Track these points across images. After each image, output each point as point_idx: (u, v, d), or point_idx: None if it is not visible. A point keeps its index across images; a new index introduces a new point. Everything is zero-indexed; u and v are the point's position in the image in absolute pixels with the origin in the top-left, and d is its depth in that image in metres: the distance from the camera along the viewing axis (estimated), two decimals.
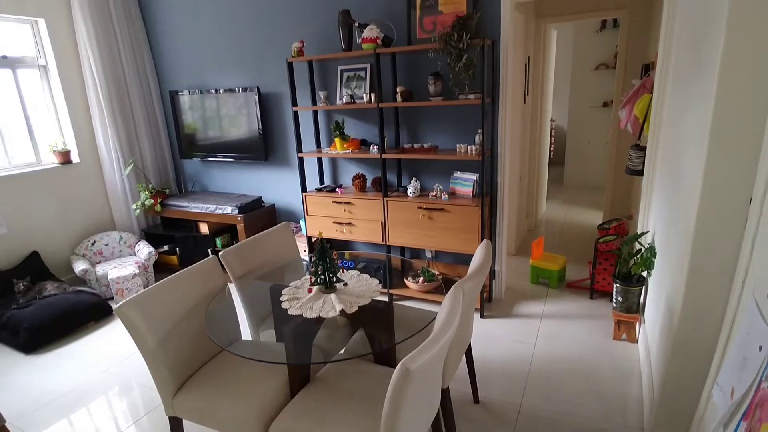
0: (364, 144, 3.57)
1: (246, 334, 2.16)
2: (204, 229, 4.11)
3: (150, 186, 4.33)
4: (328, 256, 2.02)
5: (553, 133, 6.86)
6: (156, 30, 4.35)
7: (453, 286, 1.69)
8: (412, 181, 3.31)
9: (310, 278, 2.07)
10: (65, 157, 3.98)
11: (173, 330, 1.88)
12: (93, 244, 4.05)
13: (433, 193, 3.25)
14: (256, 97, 3.82)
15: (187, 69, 4.31)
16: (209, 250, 4.08)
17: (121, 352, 2.97)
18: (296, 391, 1.81)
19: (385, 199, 3.32)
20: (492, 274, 3.43)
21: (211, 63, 4.16)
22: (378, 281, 2.19)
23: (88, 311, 3.36)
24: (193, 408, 1.80)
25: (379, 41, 3.08)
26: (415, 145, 3.33)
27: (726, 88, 1.44)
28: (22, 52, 3.76)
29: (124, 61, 4.19)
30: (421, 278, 3.37)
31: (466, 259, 3.47)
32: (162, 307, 1.86)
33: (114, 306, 3.58)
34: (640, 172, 3.09)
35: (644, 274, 2.72)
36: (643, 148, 3.05)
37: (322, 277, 2.04)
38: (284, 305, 1.94)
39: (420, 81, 3.29)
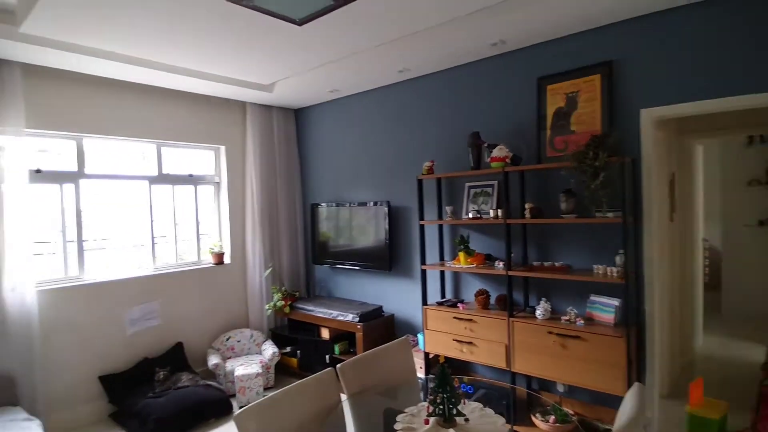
0: (488, 259, 3.45)
1: None
2: (325, 334, 4.19)
3: (283, 288, 4.65)
4: (449, 384, 1.84)
5: (706, 254, 5.98)
6: (306, 151, 5.02)
7: None
8: (542, 302, 3.04)
9: (428, 407, 1.90)
10: (219, 258, 4.51)
11: None
12: (228, 340, 4.35)
13: (567, 317, 2.93)
14: (386, 210, 4.04)
15: (328, 184, 4.81)
16: (327, 356, 4.09)
17: None
18: None
19: (511, 319, 3.07)
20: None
21: (349, 179, 4.58)
22: (504, 420, 1.91)
23: (211, 407, 3.50)
24: None
25: (507, 160, 3.11)
26: (545, 263, 3.12)
27: None
28: (203, 171, 4.57)
29: (278, 179, 4.83)
30: (552, 417, 2.90)
31: (607, 399, 2.94)
32: (278, 420, 1.83)
33: (234, 404, 3.69)
34: None
35: None
36: None
37: (441, 407, 1.85)
38: None
39: (550, 198, 3.18)
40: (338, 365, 2.25)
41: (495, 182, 3.44)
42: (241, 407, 3.65)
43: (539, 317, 3.01)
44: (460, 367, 3.70)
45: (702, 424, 2.93)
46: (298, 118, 5.08)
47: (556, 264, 3.08)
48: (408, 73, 3.81)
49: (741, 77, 2.51)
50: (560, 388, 3.17)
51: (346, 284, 4.68)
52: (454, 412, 1.86)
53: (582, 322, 2.85)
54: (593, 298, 2.94)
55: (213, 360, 4.00)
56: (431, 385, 1.89)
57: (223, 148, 4.58)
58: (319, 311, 4.23)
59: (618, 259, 2.79)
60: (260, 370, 3.88)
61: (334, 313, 4.09)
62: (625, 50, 2.87)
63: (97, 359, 3.65)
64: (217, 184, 4.65)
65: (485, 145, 3.30)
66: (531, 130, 3.26)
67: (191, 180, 4.46)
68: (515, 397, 3.19)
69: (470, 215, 3.37)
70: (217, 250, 4.52)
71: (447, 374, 1.86)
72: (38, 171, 3.46)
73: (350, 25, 2.87)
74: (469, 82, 3.63)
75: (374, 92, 4.29)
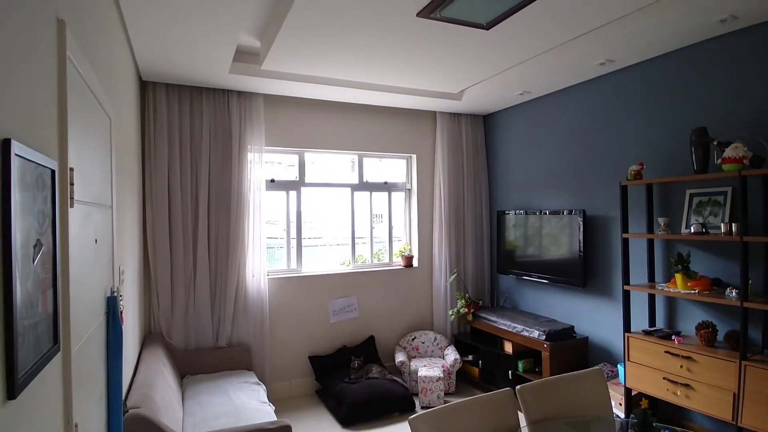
0: (716, 285, 2.78)
1: None
2: (508, 347, 4.00)
3: (467, 295, 4.64)
4: None
5: None
6: (494, 157, 4.90)
7: None
8: None
9: None
10: (408, 261, 4.77)
11: None
12: (413, 340, 4.55)
13: None
14: (581, 220, 3.63)
15: (516, 191, 4.60)
16: (510, 372, 3.90)
17: None
18: None
19: (743, 362, 2.41)
20: None
21: (538, 185, 4.29)
22: None
23: (396, 402, 3.70)
24: None
25: (745, 161, 2.45)
26: None
27: None
28: (396, 179, 4.90)
29: (465, 185, 4.85)
30: None
31: None
32: (451, 431, 1.81)
33: (417, 402, 3.82)
34: None
35: None
36: None
37: None
38: None
39: None
40: (518, 387, 2.11)
41: (728, 189, 2.75)
42: (423, 407, 3.80)
43: None
44: (672, 413, 3.07)
45: None
46: (486, 124, 5.01)
47: None
48: (611, 65, 3.35)
49: None
50: None
51: (532, 297, 4.39)
52: None
53: None
54: None
55: (399, 357, 4.24)
56: (630, 430, 1.60)
57: (414, 157, 4.82)
58: (503, 323, 4.06)
59: None
60: (442, 375, 3.93)
61: (519, 327, 3.87)
62: None
63: (308, 341, 4.25)
64: (408, 191, 4.91)
65: (714, 143, 2.66)
66: None
67: (386, 187, 4.82)
68: None
69: (692, 229, 2.76)
70: (406, 253, 4.78)
71: (650, 423, 1.55)
72: (272, 180, 4.22)
73: (542, 20, 2.68)
74: (690, 68, 2.99)
75: (569, 90, 3.92)
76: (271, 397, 3.70)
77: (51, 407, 1.06)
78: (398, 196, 4.92)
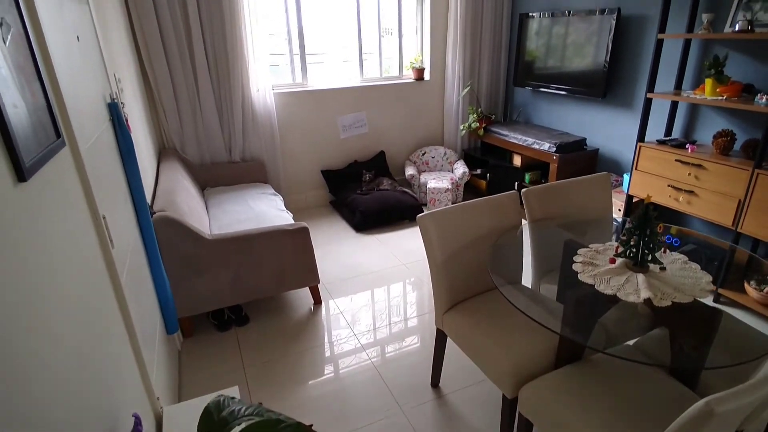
0: (747, 91, 2.61)
1: (527, 279, 2.04)
2: (516, 161, 4.05)
3: (479, 110, 4.50)
4: (651, 227, 1.60)
5: None
6: None
7: None
8: None
9: (617, 246, 1.72)
10: (419, 74, 4.51)
11: (459, 252, 1.94)
12: (423, 154, 4.61)
13: None
14: (613, 21, 3.26)
15: None
16: (516, 183, 4.02)
17: (422, 254, 3.38)
18: (561, 364, 1.61)
19: (757, 170, 2.41)
20: None
21: None
22: (710, 279, 1.63)
23: (406, 210, 3.93)
24: (457, 331, 1.86)
25: None
26: None
27: None
28: None
29: None
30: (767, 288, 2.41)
31: None
32: (456, 228, 1.92)
33: (425, 211, 4.07)
34: None
35: None
36: None
37: (635, 250, 1.66)
38: (576, 267, 1.70)
39: None
40: (523, 189, 2.17)
41: None
42: None
43: None
44: (671, 219, 3.22)
45: None
46: None
47: None
48: None
49: None
50: None
51: (547, 111, 4.25)
52: (649, 257, 1.66)
53: None
54: None
55: (409, 171, 4.35)
56: (628, 225, 1.67)
57: None
58: (514, 137, 4.02)
59: None
60: (450, 186, 4.08)
61: (530, 140, 3.84)
62: None
63: (319, 156, 4.33)
64: None
65: None
66: None
67: None
68: (731, 260, 2.71)
69: (737, 26, 2.47)
70: (417, 65, 4.49)
71: (650, 215, 1.60)
72: None
73: None
74: None
75: None
76: (288, 208, 3.95)
77: (69, 195, 1.09)
78: (409, 3, 4.38)
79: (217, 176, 3.79)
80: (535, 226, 2.19)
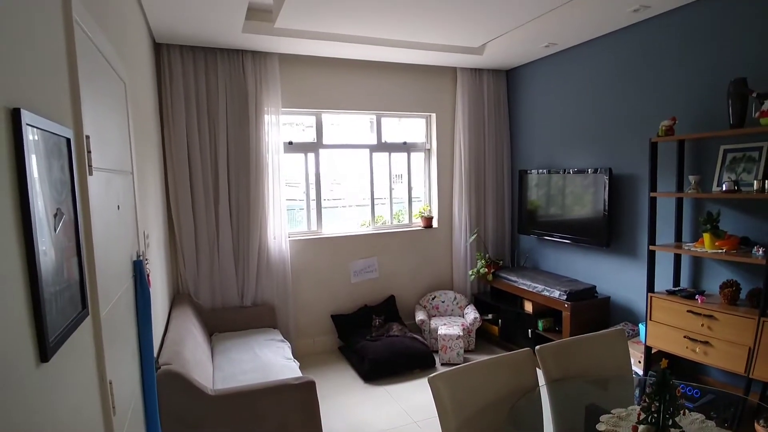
0: (745, 244, 2.69)
1: None
2: (528, 307, 4.02)
3: (487, 255, 4.62)
4: (670, 393, 1.53)
5: None
6: (516, 114, 4.74)
7: None
8: None
9: (639, 413, 1.62)
10: (428, 222, 4.75)
11: (475, 417, 1.82)
12: (433, 299, 4.61)
13: None
14: (606, 179, 3.52)
15: (539, 149, 4.47)
16: (530, 331, 3.93)
17: (434, 411, 3.15)
18: None
19: (762, 319, 2.37)
20: None
21: (563, 143, 4.16)
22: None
23: (417, 358, 3.79)
24: None
25: None
26: None
27: None
28: (416, 139, 4.81)
29: (486, 144, 4.74)
30: None
31: None
32: (470, 390, 1.84)
33: (437, 359, 3.91)
34: None
35: None
36: None
37: (656, 416, 1.56)
38: None
39: None
40: (537, 347, 2.12)
41: (765, 144, 2.60)
42: (442, 363, 3.89)
43: None
44: (689, 369, 3.06)
45: None
46: (509, 79, 4.81)
47: None
48: (645, 11, 3.13)
49: None
50: None
51: (553, 258, 4.35)
52: (670, 423, 1.55)
53: None
54: None
55: (420, 316, 4.31)
56: (648, 390, 1.60)
57: (434, 116, 4.70)
58: (523, 283, 4.06)
59: None
60: (461, 333, 3.99)
61: (539, 287, 3.86)
62: None
63: (330, 300, 4.35)
64: (428, 151, 4.83)
65: (753, 95, 2.50)
66: None
67: (405, 147, 4.75)
68: (745, 406, 2.50)
69: (724, 187, 2.65)
70: (426, 213, 4.76)
71: (669, 381, 1.54)
72: (290, 143, 4.20)
73: None
74: (729, 14, 2.77)
75: (597, 42, 3.70)
76: (296, 354, 3.84)
77: (84, 367, 1.11)
78: (417, 157, 4.85)
79: (226, 321, 3.79)
80: (553, 386, 2.09)
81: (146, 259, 2.14)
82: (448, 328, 4.07)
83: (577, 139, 3.99)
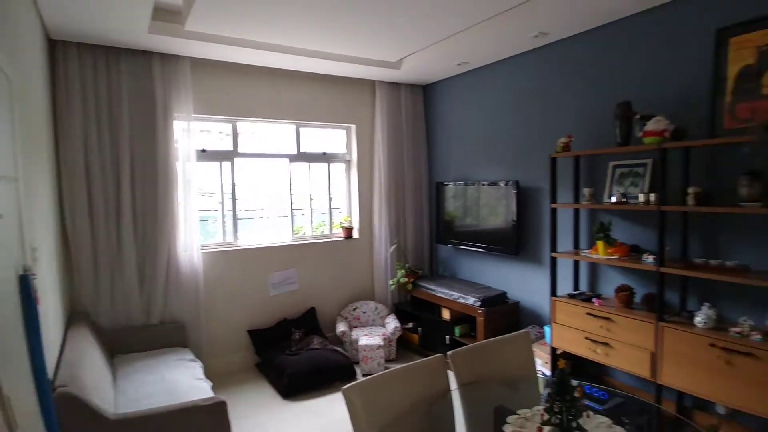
0: (634, 251, 2.98)
1: None
2: (446, 314, 4.14)
3: (407, 265, 4.71)
4: (569, 393, 1.63)
5: None
6: (433, 128, 4.92)
7: None
8: (704, 308, 2.52)
9: (542, 414, 1.71)
10: (348, 233, 4.74)
11: (391, 424, 1.82)
12: (354, 310, 4.59)
13: (737, 330, 2.38)
14: (514, 191, 3.75)
15: (455, 162, 4.66)
16: (447, 338, 4.05)
17: None
18: None
19: (660, 323, 2.62)
20: None
21: (477, 157, 4.37)
22: None
23: (337, 371, 3.73)
24: None
25: (666, 134, 2.60)
26: (711, 261, 2.57)
27: None
28: (336, 150, 4.80)
29: (405, 156, 4.85)
30: None
31: None
32: (383, 400, 1.84)
33: (358, 370, 3.88)
34: None
35: None
36: None
37: (559, 417, 1.65)
38: None
39: (724, 181, 2.58)
40: (449, 353, 2.17)
41: (648, 161, 2.92)
42: (364, 374, 3.87)
43: (699, 325, 2.51)
44: (594, 370, 3.32)
45: None
46: (426, 94, 4.98)
47: (728, 263, 2.51)
48: (545, 37, 3.41)
49: None
50: (720, 410, 2.63)
51: (469, 266, 4.53)
52: (574, 425, 1.65)
53: (759, 337, 2.29)
54: None
55: (340, 327, 4.26)
56: (549, 391, 1.69)
57: (354, 127, 4.73)
58: (441, 291, 4.18)
59: None
60: (382, 343, 4.01)
61: (456, 294, 4.00)
62: None
63: (246, 315, 4.16)
64: (348, 162, 4.84)
65: (637, 116, 2.80)
66: (702, 96, 2.66)
67: (325, 158, 4.72)
68: (660, 415, 2.76)
69: (614, 199, 2.93)
70: (346, 224, 4.75)
71: (567, 381, 1.64)
72: (203, 151, 3.99)
73: None
74: (620, 42, 3.10)
75: (506, 62, 3.96)
76: (209, 374, 3.61)
77: None
78: (338, 167, 4.84)
79: (131, 341, 3.47)
80: (465, 390, 2.15)
81: (34, 275, 1.90)
82: (369, 338, 4.06)
83: (489, 153, 4.22)
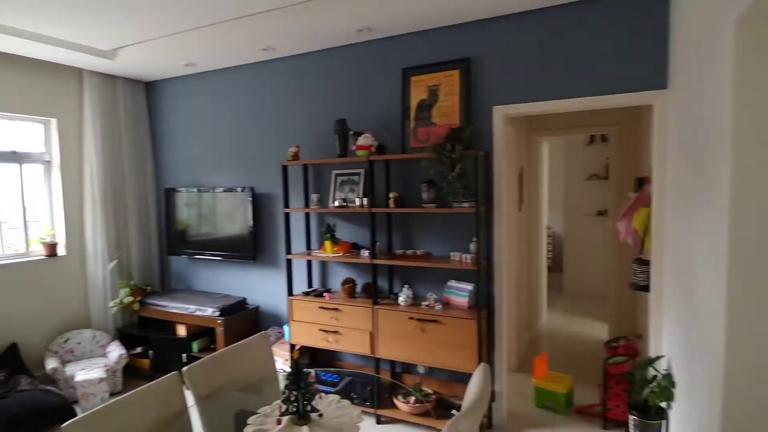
0: (355, 248, 3.46)
1: None
2: (181, 331, 3.85)
3: (132, 282, 4.15)
4: (303, 380, 1.78)
5: (550, 240, 6.80)
6: (161, 130, 4.50)
7: (445, 428, 1.44)
8: (404, 289, 3.14)
9: (280, 406, 1.81)
10: (51, 250, 3.85)
11: None
12: (66, 342, 3.76)
13: (426, 303, 3.06)
14: (249, 198, 3.80)
15: (187, 168, 4.38)
16: (184, 356, 3.77)
17: None
18: None
19: (375, 306, 3.12)
20: (492, 396, 3.09)
21: (211, 163, 4.23)
22: (360, 410, 1.91)
23: (53, 413, 3.02)
24: None
25: (373, 149, 3.12)
26: (408, 252, 3.22)
27: (741, 206, 1.34)
28: (30, 148, 3.83)
29: (124, 159, 4.27)
30: (413, 398, 3.04)
31: (462, 377, 3.16)
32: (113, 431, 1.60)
33: (78, 410, 3.23)
34: (647, 288, 2.92)
35: (663, 405, 2.42)
36: (647, 263, 2.92)
37: (295, 404, 1.78)
38: None
39: (413, 188, 3.27)
40: (184, 369, 2.05)
41: (361, 171, 3.44)
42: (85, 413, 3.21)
43: (402, 304, 3.10)
44: (327, 357, 3.68)
45: (549, 397, 3.30)
46: (149, 91, 4.52)
47: (418, 252, 3.19)
48: (272, 52, 3.60)
49: (582, 81, 2.80)
50: (421, 370, 3.33)
51: (207, 276, 4.34)
52: (309, 408, 1.81)
53: (440, 306, 3.00)
54: (450, 283, 3.11)
55: (51, 364, 3.45)
56: (286, 382, 1.80)
57: (54, 121, 3.88)
58: (175, 306, 3.87)
59: (472, 247, 2.98)
60: (104, 375, 3.43)
61: (192, 308, 3.77)
62: (481, 49, 3.04)
63: None
64: (48, 163, 3.94)
65: (351, 132, 3.27)
66: (396, 120, 3.31)
67: (15, 157, 3.72)
68: (379, 383, 3.28)
69: (336, 204, 3.33)
70: (49, 240, 3.86)
71: (301, 371, 1.79)
72: None
73: None
74: (336, 67, 3.55)
75: (236, 70, 3.99)
76: None
77: None
78: (34, 170, 3.87)
79: None
80: (204, 403, 2.06)
81: None
82: (87, 372, 3.42)
83: (225, 159, 4.15)
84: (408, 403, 3.04)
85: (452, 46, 3.12)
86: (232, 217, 3.98)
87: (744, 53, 1.24)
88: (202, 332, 3.89)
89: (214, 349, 3.71)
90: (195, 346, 3.78)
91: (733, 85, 1.28)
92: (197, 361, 2.13)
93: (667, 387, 2.30)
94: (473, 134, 2.99)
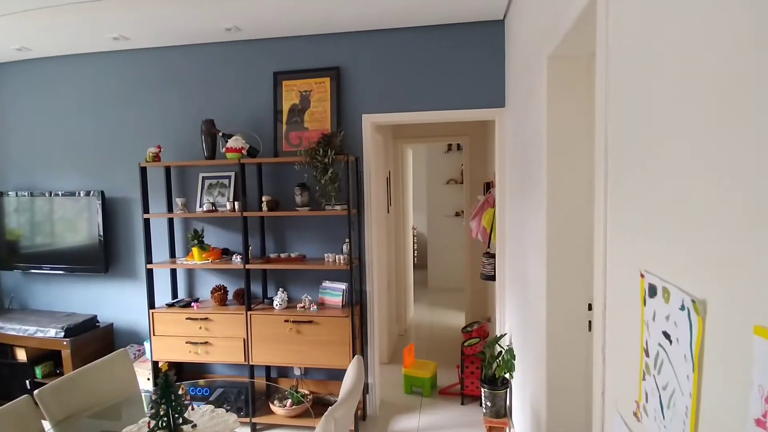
0: (226, 253, 3.35)
1: None
2: (21, 355, 3.31)
3: None
4: (173, 392, 1.71)
5: (415, 240, 7.34)
6: None
7: (323, 417, 1.53)
8: (279, 293, 3.15)
9: (149, 423, 1.71)
10: None
11: None
12: None
13: (302, 305, 3.11)
14: (99, 203, 3.42)
15: (16, 169, 3.75)
16: (27, 382, 3.24)
17: None
18: None
19: (249, 312, 3.07)
20: (365, 388, 3.26)
21: (48, 163, 3.69)
22: (236, 417, 1.89)
23: None
24: None
25: (244, 152, 3.07)
26: (282, 255, 3.23)
27: (553, 203, 1.68)
28: None
29: None
30: (289, 401, 3.06)
31: (338, 374, 3.27)
32: None
33: None
34: (493, 278, 3.37)
35: (507, 376, 2.83)
36: (494, 256, 3.37)
37: (165, 419, 1.70)
38: None
39: (287, 191, 3.30)
40: (36, 392, 1.80)
41: (232, 174, 3.35)
42: None
43: (276, 307, 3.10)
44: (196, 371, 3.49)
45: (417, 382, 3.58)
46: None
47: (292, 255, 3.22)
48: (125, 42, 3.29)
49: (438, 96, 3.12)
50: (297, 372, 3.35)
51: (47, 293, 3.77)
52: (180, 421, 1.74)
53: (315, 307, 3.07)
54: (324, 284, 3.21)
55: None
56: (154, 397, 1.71)
57: None
58: (11, 328, 3.30)
59: (344, 248, 3.11)
60: None
61: (31, 329, 3.26)
62: (350, 59, 3.20)
63: None
64: None
65: (221, 134, 3.17)
66: (268, 123, 3.30)
67: None
68: (254, 390, 3.23)
69: (205, 208, 3.19)
70: None
71: (170, 383, 1.71)
72: None
73: None
74: (201, 64, 3.39)
75: (83, 58, 3.55)
76: None
77: None
78: None
79: None
80: (62, 428, 1.84)
81: None
82: None
83: (66, 159, 3.65)
84: (284, 406, 3.04)
85: (323, 54, 3.22)
86: (76, 224, 3.52)
87: (553, 83, 1.58)
88: (47, 356, 3.39)
89: (62, 374, 3.25)
90: (38, 371, 3.29)
91: (546, 107, 1.62)
92: (49, 384, 1.91)
93: (509, 360, 2.70)
94: (344, 140, 3.13)
